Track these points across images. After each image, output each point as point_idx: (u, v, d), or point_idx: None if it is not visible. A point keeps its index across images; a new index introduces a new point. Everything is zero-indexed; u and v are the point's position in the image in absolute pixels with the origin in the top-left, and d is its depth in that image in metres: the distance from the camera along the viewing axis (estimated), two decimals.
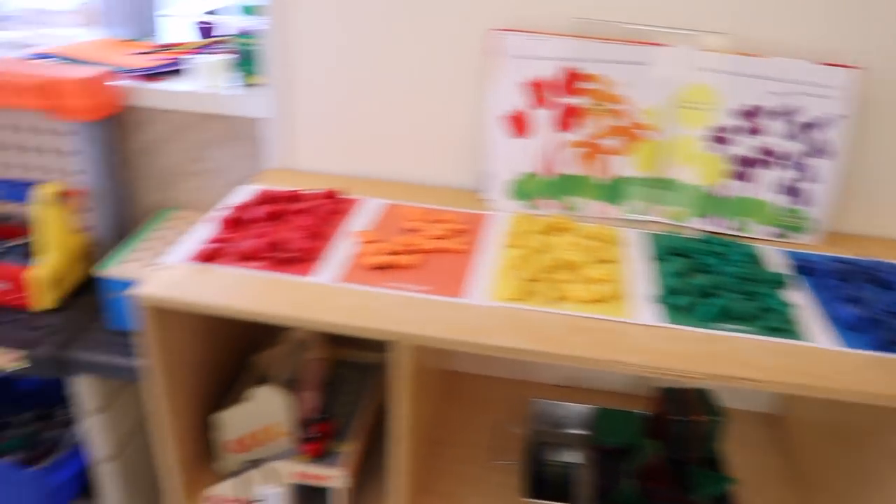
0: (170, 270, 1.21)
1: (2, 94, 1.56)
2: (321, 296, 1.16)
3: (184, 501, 1.35)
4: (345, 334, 1.11)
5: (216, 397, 1.43)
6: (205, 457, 1.40)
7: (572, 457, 1.49)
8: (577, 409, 1.55)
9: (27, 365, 1.50)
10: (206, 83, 1.60)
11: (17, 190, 1.56)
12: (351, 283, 1.19)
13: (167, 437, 1.30)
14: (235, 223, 1.33)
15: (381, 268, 1.23)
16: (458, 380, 1.70)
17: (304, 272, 1.21)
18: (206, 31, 1.91)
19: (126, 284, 1.47)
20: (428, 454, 1.47)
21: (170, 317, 1.23)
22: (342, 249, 1.28)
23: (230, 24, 1.91)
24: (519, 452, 1.48)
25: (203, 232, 1.31)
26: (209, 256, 1.23)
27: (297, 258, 1.23)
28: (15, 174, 1.70)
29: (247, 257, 1.24)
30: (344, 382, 1.46)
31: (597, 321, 1.13)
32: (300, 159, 1.55)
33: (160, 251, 1.53)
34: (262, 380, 1.37)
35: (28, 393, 1.91)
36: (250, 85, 1.59)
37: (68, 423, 1.85)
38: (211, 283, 1.18)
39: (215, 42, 1.83)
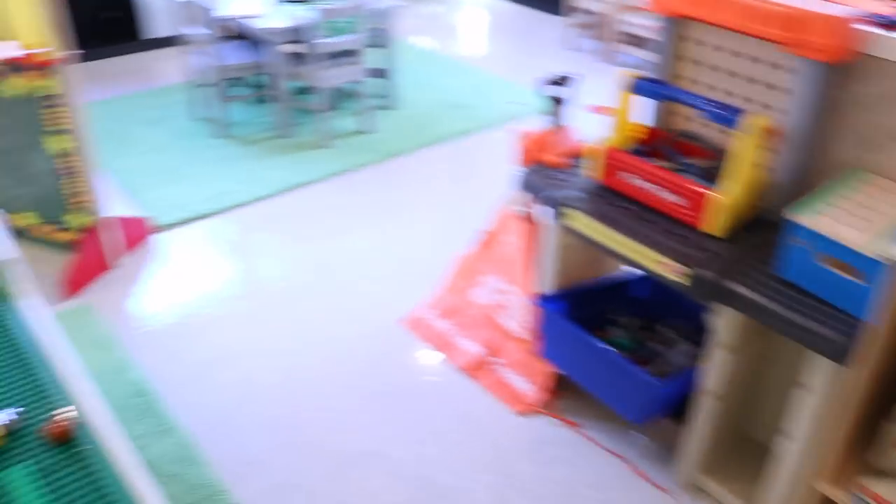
0: None
1: (744, 18, 1.57)
2: None
3: (828, 478, 1.28)
4: None
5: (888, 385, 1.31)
6: (859, 442, 1.30)
7: None
8: None
9: (685, 282, 1.54)
10: None
11: (718, 112, 1.57)
12: None
13: (845, 409, 1.22)
14: None
15: None
16: None
17: None
18: None
19: (814, 236, 1.41)
20: None
21: None
22: None
23: None
24: None
25: None
26: None
27: None
28: (716, 96, 1.73)
29: None
30: None
31: None
32: None
33: (858, 214, 1.42)
34: None
35: (635, 301, 2.02)
36: None
37: (668, 341, 1.91)
38: None
39: None
